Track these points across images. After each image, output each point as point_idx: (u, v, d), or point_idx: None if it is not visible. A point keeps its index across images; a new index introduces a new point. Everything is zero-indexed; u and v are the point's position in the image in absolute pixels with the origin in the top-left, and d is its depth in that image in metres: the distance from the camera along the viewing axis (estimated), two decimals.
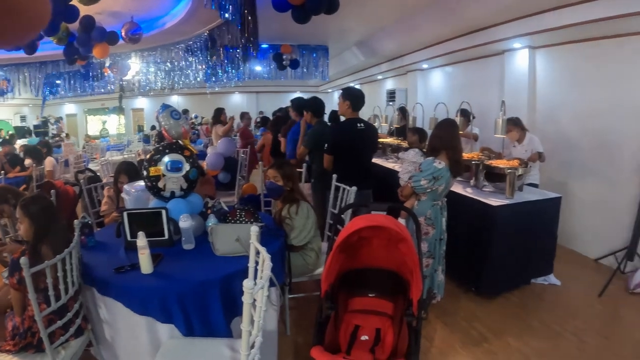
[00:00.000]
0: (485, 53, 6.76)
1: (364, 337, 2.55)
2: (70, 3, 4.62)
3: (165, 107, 3.15)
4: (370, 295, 2.76)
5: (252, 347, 1.72)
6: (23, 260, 1.93)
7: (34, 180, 6.01)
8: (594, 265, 4.85)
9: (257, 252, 2.03)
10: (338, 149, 4.04)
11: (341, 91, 4.35)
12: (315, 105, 4.82)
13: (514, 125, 4.79)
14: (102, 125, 18.84)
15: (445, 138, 3.39)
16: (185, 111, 13.28)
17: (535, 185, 4.72)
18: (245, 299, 1.59)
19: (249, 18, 5.08)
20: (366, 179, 4.10)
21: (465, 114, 5.41)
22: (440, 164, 3.29)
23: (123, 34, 6.23)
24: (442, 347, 3.27)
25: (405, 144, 6.01)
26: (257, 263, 2.03)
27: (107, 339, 2.46)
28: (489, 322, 3.59)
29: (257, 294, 1.64)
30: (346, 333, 2.57)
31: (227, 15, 4.84)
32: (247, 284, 1.57)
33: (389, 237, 2.50)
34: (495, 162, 4.18)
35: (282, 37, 8.73)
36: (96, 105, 17.99)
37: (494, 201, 3.86)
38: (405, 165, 4.01)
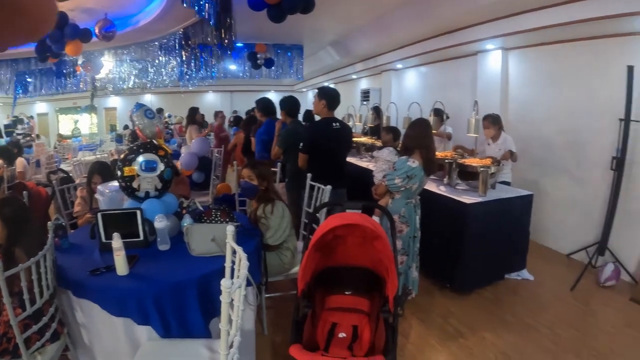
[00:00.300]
0: (458, 54, 6.86)
1: (342, 335, 2.57)
2: None
3: (139, 106, 3.11)
4: (346, 292, 2.80)
5: (231, 346, 1.73)
6: None
7: (5, 182, 5.86)
8: (565, 260, 4.98)
9: (233, 252, 2.03)
10: (314, 148, 4.03)
11: (317, 90, 4.36)
12: (289, 105, 4.79)
13: (493, 122, 4.85)
14: (74, 125, 18.40)
15: (418, 137, 3.44)
16: (160, 110, 13.11)
17: (507, 183, 4.79)
18: (223, 298, 1.60)
19: (225, 17, 5.06)
20: (341, 178, 4.13)
21: (438, 113, 5.48)
22: (414, 162, 3.33)
23: (96, 31, 6.11)
24: (418, 342, 3.32)
25: (379, 143, 6.06)
26: (233, 262, 2.03)
27: (85, 342, 2.42)
28: (464, 318, 3.66)
29: (235, 293, 1.65)
30: (324, 331, 2.59)
31: (203, 13, 4.80)
32: (224, 283, 1.58)
33: (364, 235, 2.53)
34: (468, 161, 4.25)
35: (257, 36, 8.69)
36: (68, 104, 17.54)
37: (467, 199, 3.93)
38: (379, 164, 4.04)
